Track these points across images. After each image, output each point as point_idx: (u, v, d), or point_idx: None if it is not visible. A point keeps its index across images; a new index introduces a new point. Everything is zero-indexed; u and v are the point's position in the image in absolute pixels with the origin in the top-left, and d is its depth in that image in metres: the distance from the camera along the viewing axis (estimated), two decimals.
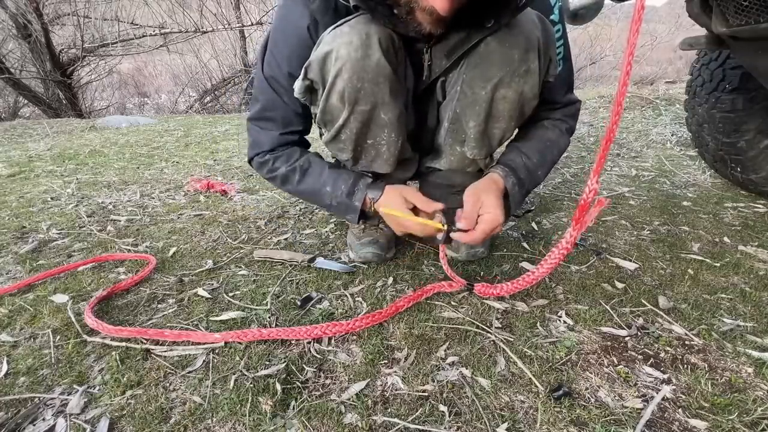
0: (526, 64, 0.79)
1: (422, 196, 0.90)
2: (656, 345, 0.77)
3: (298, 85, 0.82)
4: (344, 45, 0.75)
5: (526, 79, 0.81)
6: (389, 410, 0.64)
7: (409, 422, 0.61)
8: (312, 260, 1.07)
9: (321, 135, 0.94)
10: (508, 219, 0.99)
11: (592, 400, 0.65)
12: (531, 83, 0.82)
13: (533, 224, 1.29)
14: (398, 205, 0.88)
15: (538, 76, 0.82)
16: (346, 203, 0.92)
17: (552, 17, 0.90)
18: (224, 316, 0.86)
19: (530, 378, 0.69)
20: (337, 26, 0.77)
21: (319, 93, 0.83)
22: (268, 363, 0.73)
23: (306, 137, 1.01)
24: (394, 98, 0.81)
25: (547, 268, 0.80)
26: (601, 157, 0.67)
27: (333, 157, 1.05)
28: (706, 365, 0.72)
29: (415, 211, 0.89)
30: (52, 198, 1.61)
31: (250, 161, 1.01)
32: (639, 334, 0.80)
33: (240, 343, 0.77)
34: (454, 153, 0.96)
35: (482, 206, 0.84)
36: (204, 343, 0.77)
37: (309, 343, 0.78)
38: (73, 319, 0.84)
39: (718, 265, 1.04)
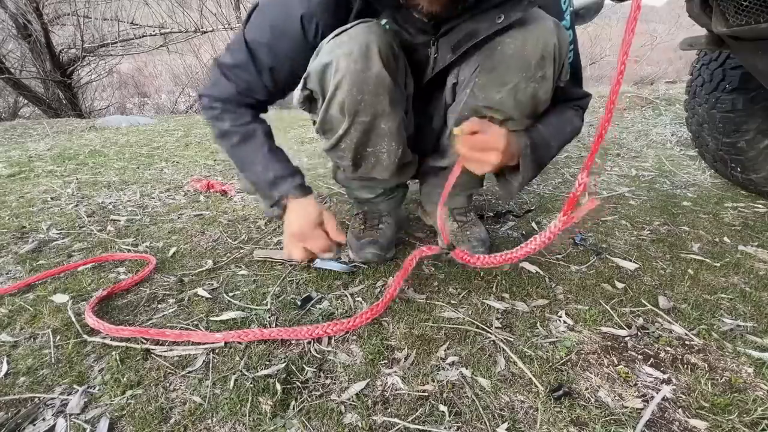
0: (542, 70, 0.79)
1: (335, 225, 0.88)
2: (656, 345, 0.77)
3: (297, 95, 0.83)
4: (344, 56, 0.74)
5: (540, 85, 0.81)
6: (389, 410, 0.64)
7: (409, 422, 0.61)
8: (312, 260, 1.07)
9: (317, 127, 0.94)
10: (524, 180, 0.90)
11: (592, 400, 0.65)
12: (545, 89, 0.82)
13: (533, 224, 1.29)
14: (309, 216, 0.86)
15: (552, 82, 0.82)
16: (266, 188, 0.87)
17: (563, 23, 0.89)
18: (224, 316, 0.86)
19: (530, 378, 0.69)
20: (336, 35, 0.76)
21: (318, 103, 0.83)
22: (268, 363, 0.73)
23: (264, 109, 0.95)
24: (394, 108, 0.81)
25: (525, 251, 0.80)
26: (592, 151, 0.68)
27: (334, 162, 1.04)
28: (706, 365, 0.72)
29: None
30: (52, 198, 1.61)
31: (200, 96, 0.92)
32: (639, 334, 0.80)
33: (240, 343, 0.77)
34: None
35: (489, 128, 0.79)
36: (205, 343, 0.77)
37: (309, 343, 0.78)
38: (74, 319, 0.84)
39: (718, 265, 1.04)
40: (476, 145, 0.78)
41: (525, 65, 0.78)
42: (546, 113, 0.94)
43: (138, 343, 0.77)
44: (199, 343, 0.77)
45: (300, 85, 0.81)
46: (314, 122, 0.89)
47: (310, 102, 0.84)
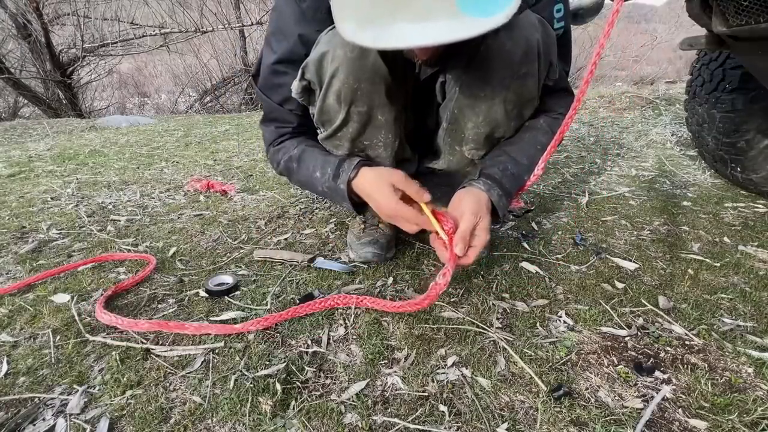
0: (526, 67, 0.79)
1: (413, 182, 0.80)
2: (656, 345, 0.77)
3: (295, 85, 0.83)
4: (341, 45, 0.75)
5: (524, 82, 0.80)
6: (389, 410, 0.64)
7: (409, 422, 0.61)
8: (312, 260, 1.07)
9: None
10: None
11: (592, 400, 0.65)
12: (530, 86, 0.81)
13: (533, 224, 1.29)
14: (386, 194, 0.80)
15: (537, 79, 0.81)
16: (333, 187, 0.87)
17: (557, 27, 0.89)
18: (224, 316, 0.86)
19: (530, 378, 0.69)
20: (334, 27, 0.77)
21: (316, 93, 0.83)
22: (268, 363, 0.73)
23: (309, 129, 0.98)
24: (390, 99, 0.81)
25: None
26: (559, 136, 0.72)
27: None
28: (706, 365, 0.72)
29: (405, 199, 0.81)
30: (52, 198, 1.61)
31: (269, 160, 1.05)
32: (639, 334, 0.80)
33: (240, 341, 0.77)
34: (453, 153, 0.96)
35: (475, 228, 0.79)
36: (226, 335, 0.79)
37: (308, 344, 0.78)
38: (77, 318, 0.84)
39: (718, 265, 1.04)
40: (475, 258, 0.80)
41: (508, 62, 0.78)
42: (521, 142, 0.92)
43: (138, 343, 0.77)
44: (219, 335, 0.79)
45: (298, 76, 0.82)
46: (312, 115, 0.90)
47: (308, 93, 0.85)
